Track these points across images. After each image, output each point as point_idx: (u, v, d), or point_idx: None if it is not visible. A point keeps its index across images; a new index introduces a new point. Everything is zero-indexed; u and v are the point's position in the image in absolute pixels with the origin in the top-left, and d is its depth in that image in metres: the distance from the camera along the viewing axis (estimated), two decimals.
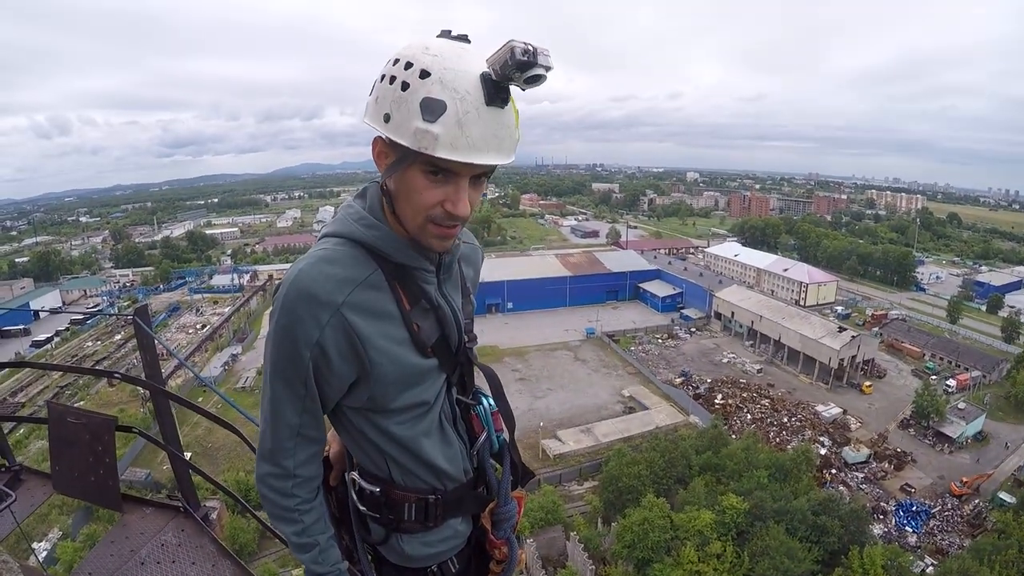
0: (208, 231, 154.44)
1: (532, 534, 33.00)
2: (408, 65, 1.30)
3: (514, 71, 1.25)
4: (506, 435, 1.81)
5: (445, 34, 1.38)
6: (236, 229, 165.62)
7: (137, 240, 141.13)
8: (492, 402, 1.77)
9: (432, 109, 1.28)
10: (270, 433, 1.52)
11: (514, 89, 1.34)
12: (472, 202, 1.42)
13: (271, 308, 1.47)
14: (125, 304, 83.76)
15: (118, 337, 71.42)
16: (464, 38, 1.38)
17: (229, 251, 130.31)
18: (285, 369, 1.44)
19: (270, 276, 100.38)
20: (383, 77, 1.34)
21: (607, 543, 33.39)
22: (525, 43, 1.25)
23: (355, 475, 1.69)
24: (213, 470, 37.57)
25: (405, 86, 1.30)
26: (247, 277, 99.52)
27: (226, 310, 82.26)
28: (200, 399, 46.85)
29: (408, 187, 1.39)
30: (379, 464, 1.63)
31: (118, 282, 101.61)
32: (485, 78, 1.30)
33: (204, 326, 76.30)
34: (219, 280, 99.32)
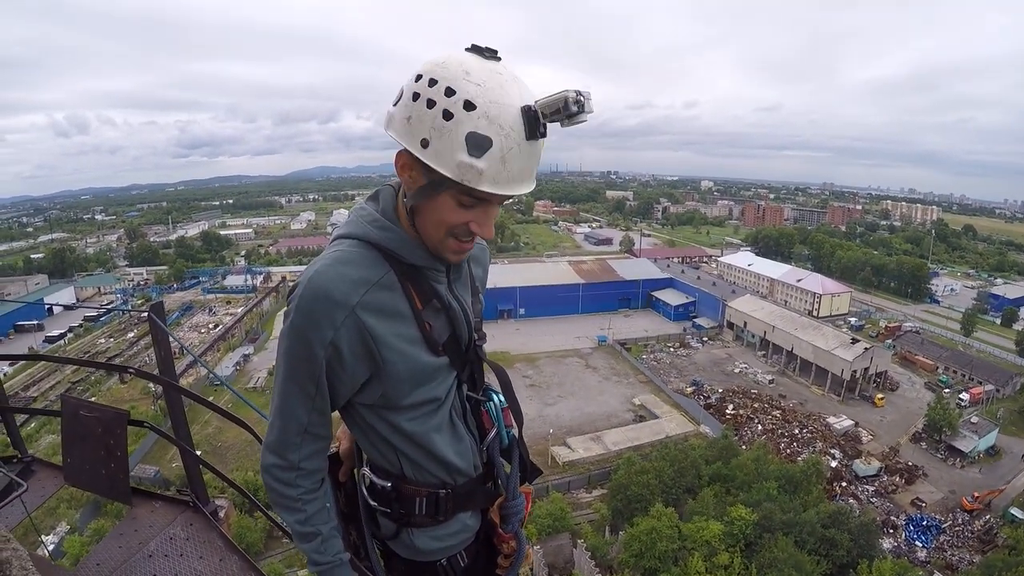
0: (222, 232, 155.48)
1: (539, 541, 32.88)
2: (449, 92, 1.30)
3: (563, 118, 1.31)
4: (515, 431, 1.84)
5: (475, 49, 1.37)
6: (250, 230, 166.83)
7: (152, 239, 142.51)
8: (502, 398, 1.80)
9: (479, 145, 1.30)
10: (278, 428, 1.54)
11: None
12: (493, 221, 1.49)
13: (286, 308, 1.48)
14: (139, 302, 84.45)
15: (131, 335, 72.16)
16: (494, 54, 1.37)
17: (243, 252, 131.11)
18: (298, 368, 1.47)
19: (283, 277, 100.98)
20: (417, 96, 1.33)
21: (614, 552, 33.24)
22: (577, 93, 1.29)
23: (366, 470, 1.73)
24: (223, 468, 37.32)
25: (448, 115, 1.30)
26: (260, 278, 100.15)
27: (239, 310, 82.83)
28: (211, 398, 47.15)
29: (437, 210, 1.42)
30: (390, 459, 1.65)
31: (132, 280, 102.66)
32: (528, 113, 1.33)
33: (217, 326, 76.89)
34: (232, 281, 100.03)
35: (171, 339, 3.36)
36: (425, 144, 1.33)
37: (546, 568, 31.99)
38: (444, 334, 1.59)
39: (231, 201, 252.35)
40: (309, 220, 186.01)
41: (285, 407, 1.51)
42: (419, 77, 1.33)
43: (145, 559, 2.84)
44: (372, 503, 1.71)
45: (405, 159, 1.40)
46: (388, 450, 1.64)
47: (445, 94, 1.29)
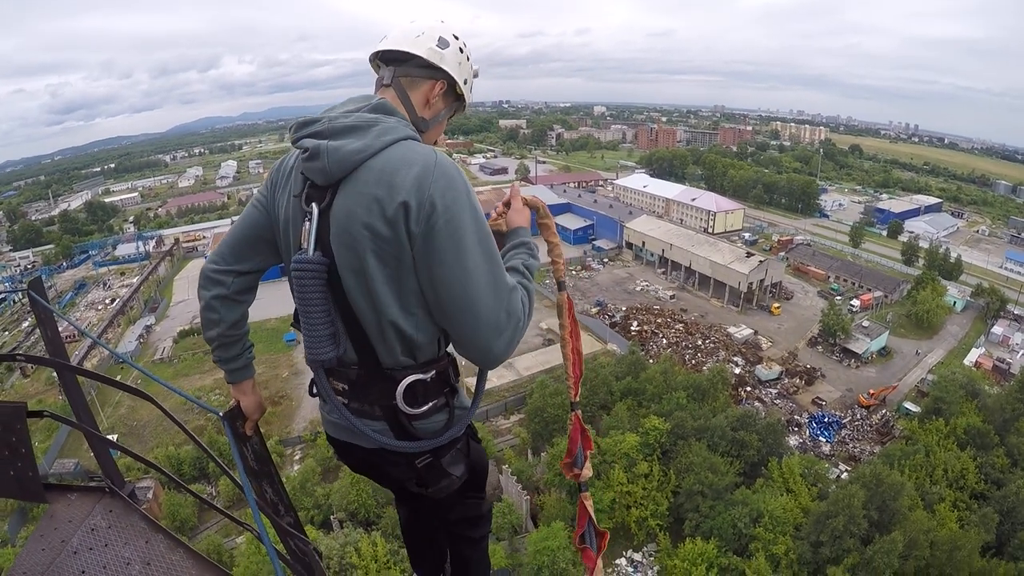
0: (107, 199, 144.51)
1: None
2: (470, 56, 1.98)
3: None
4: None
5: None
6: (136, 194, 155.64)
7: (34, 218, 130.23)
8: None
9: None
10: (504, 279, 1.72)
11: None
12: None
13: (440, 189, 1.62)
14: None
15: (25, 324, 67.09)
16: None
17: (131, 218, 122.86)
18: (490, 234, 1.72)
19: (176, 240, 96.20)
20: (462, 51, 1.94)
21: (539, 473, 34.50)
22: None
23: (407, 383, 1.80)
24: (142, 448, 36.35)
25: (473, 67, 2.01)
26: (152, 243, 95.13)
27: (135, 280, 78.30)
28: (119, 376, 45.04)
29: (442, 125, 2.04)
30: (434, 340, 1.82)
31: (18, 265, 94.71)
32: None
33: (114, 300, 72.62)
34: (124, 250, 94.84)
35: (56, 316, 3.23)
36: (466, 83, 1.99)
37: None
38: None
39: (113, 165, 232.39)
40: (197, 176, 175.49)
41: (500, 276, 1.71)
42: (457, 37, 1.92)
43: (70, 556, 2.79)
44: (416, 411, 1.84)
45: (440, 88, 1.93)
46: (435, 330, 1.80)
47: (470, 56, 1.98)
